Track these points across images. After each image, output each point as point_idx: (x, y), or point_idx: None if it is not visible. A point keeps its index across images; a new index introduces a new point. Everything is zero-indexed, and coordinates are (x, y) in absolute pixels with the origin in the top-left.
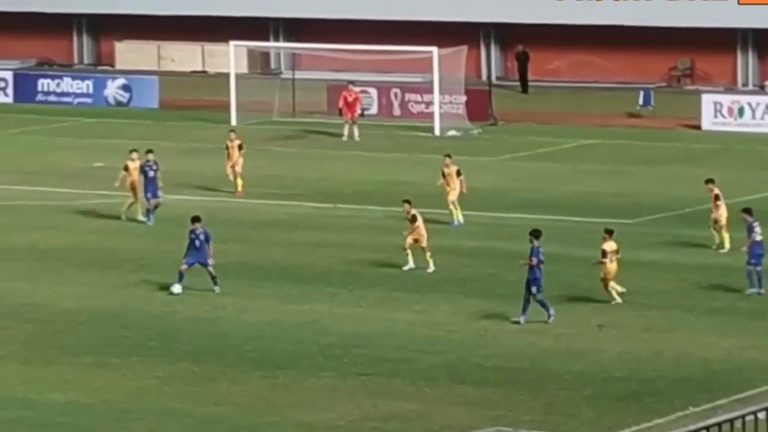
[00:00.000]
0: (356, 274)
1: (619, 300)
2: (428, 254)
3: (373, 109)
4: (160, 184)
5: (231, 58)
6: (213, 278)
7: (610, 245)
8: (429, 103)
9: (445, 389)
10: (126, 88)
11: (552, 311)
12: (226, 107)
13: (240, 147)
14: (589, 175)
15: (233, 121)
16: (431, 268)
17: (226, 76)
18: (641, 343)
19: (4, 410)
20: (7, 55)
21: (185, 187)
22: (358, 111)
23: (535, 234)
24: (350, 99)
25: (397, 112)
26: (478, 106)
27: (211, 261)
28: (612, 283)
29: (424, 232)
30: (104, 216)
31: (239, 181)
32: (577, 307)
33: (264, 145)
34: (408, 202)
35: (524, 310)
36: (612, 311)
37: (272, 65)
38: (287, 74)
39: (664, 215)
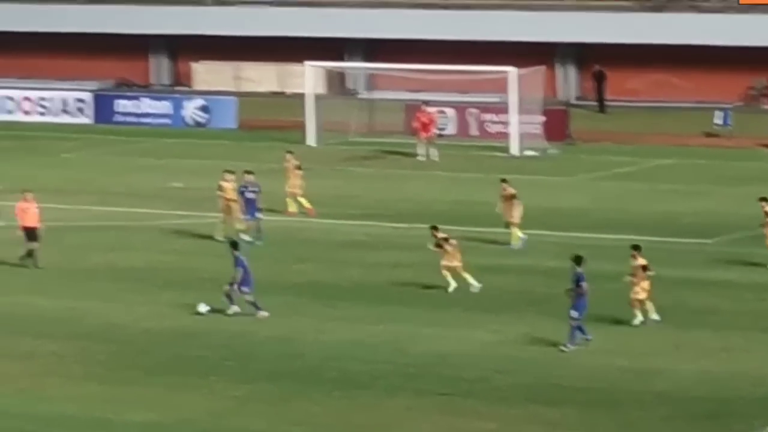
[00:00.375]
0: (433, 294)
1: (641, 318)
2: (448, 274)
3: (451, 129)
4: (259, 205)
5: (307, 78)
6: (227, 297)
7: (642, 261)
8: (506, 123)
9: (521, 409)
10: (204, 108)
11: (575, 343)
12: (304, 128)
13: (299, 167)
14: (667, 194)
15: (310, 142)
16: (452, 285)
17: (304, 96)
18: (719, 362)
19: (83, 430)
20: (85, 77)
21: (263, 207)
22: (435, 131)
23: (577, 260)
24: (424, 119)
25: (474, 132)
26: (555, 125)
27: (235, 286)
28: (648, 303)
29: (457, 252)
30: (183, 236)
31: (303, 201)
32: (654, 326)
33: (341, 166)
34: (435, 228)
35: (578, 332)
36: (689, 331)
37: (349, 85)
38: (364, 94)
39: (742, 235)
